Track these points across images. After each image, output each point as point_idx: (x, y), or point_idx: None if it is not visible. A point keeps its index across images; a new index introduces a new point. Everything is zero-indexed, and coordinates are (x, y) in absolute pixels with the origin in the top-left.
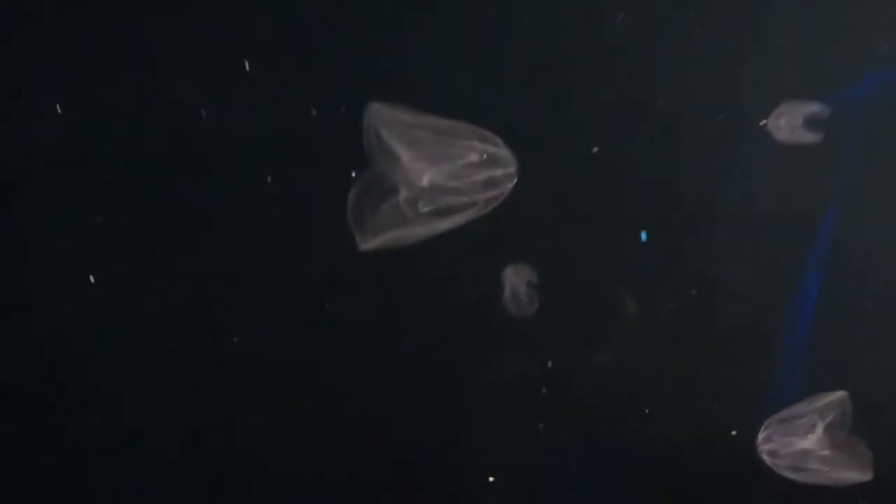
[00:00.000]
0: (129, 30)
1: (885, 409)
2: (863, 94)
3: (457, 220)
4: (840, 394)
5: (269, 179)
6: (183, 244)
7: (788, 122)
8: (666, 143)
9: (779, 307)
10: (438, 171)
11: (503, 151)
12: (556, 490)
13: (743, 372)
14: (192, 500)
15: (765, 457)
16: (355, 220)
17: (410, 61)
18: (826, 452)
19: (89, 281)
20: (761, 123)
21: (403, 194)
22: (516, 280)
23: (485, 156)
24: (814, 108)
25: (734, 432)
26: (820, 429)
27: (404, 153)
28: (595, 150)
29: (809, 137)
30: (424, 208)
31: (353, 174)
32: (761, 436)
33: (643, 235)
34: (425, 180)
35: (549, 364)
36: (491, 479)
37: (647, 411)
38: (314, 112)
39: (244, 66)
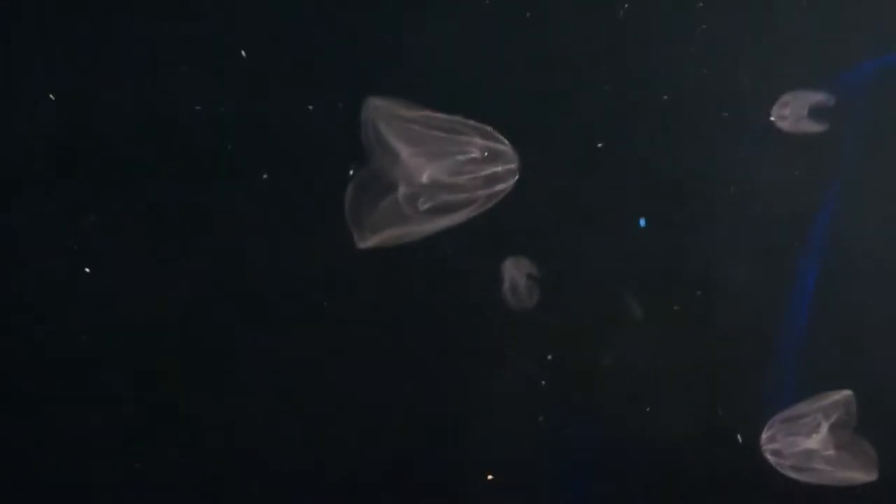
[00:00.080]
0: (127, 28)
1: (891, 408)
2: (864, 82)
3: (457, 217)
4: (845, 393)
5: (264, 176)
6: (179, 243)
7: (793, 112)
8: (667, 139)
9: (779, 306)
10: (438, 167)
11: (504, 147)
12: (556, 489)
13: (743, 370)
14: (193, 500)
15: (768, 456)
16: (353, 218)
17: (409, 56)
18: (830, 452)
19: (87, 282)
20: (771, 118)
21: (402, 191)
22: (516, 273)
23: (486, 153)
24: (819, 97)
25: (737, 434)
26: (824, 428)
27: (403, 149)
28: (600, 145)
29: (815, 127)
30: (424, 205)
31: (351, 171)
32: (765, 435)
33: (642, 222)
34: (425, 177)
35: (549, 358)
36: (490, 477)
37: (647, 409)
38: (311, 108)
39: (241, 63)
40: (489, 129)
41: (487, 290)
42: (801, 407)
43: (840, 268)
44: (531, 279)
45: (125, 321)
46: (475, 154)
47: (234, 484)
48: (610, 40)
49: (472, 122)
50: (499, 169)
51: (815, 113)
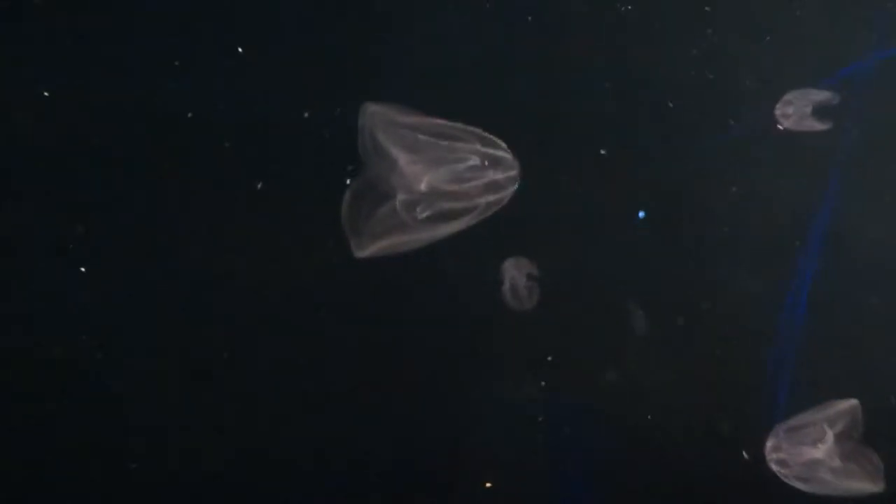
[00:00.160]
0: (122, 31)
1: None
2: (864, 79)
3: (456, 225)
4: (851, 402)
5: (258, 186)
6: (175, 250)
7: (797, 110)
8: (669, 141)
9: (779, 306)
10: (437, 174)
11: (504, 154)
12: (554, 497)
13: (744, 370)
14: (193, 499)
15: (773, 466)
16: (351, 227)
17: (407, 61)
18: (837, 463)
19: (84, 283)
20: (775, 114)
21: (401, 199)
22: (516, 273)
23: (486, 160)
24: (822, 95)
25: (738, 436)
26: (830, 438)
27: (401, 156)
28: (603, 151)
29: (818, 126)
30: (423, 214)
31: (348, 180)
32: (769, 444)
33: (641, 213)
34: (424, 184)
35: (549, 359)
36: (488, 484)
37: (649, 417)
38: (306, 115)
39: (236, 66)
40: (489, 135)
41: (487, 289)
42: (806, 416)
43: (841, 267)
44: (531, 280)
45: (119, 321)
46: (475, 161)
47: (234, 484)
48: (611, 43)
49: (471, 129)
50: (499, 176)
51: (819, 111)
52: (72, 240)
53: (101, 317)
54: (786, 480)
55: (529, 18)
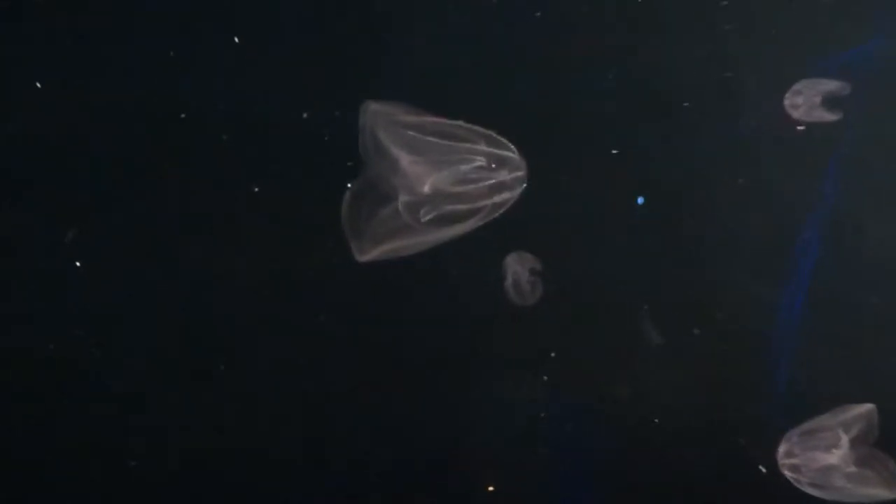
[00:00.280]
0: (122, 31)
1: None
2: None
3: (461, 227)
4: (866, 406)
5: (259, 186)
6: (175, 250)
7: (806, 100)
8: (668, 141)
9: (779, 307)
10: (441, 175)
11: (511, 154)
12: (556, 492)
13: (744, 369)
14: (193, 499)
15: (786, 472)
16: (351, 229)
17: (409, 58)
18: (852, 468)
19: (84, 282)
20: (786, 105)
21: (403, 201)
22: (518, 268)
23: (492, 160)
24: (832, 85)
25: (738, 437)
26: (845, 443)
27: (404, 156)
28: (615, 151)
29: (827, 116)
30: (426, 216)
31: (349, 184)
32: (782, 449)
33: (640, 199)
34: (427, 186)
35: (550, 359)
36: (490, 488)
37: (649, 417)
38: (305, 115)
39: (236, 66)
40: (495, 134)
41: (487, 291)
42: (820, 420)
43: (841, 267)
44: (534, 274)
45: (121, 322)
46: (480, 161)
47: (234, 484)
48: (617, 38)
49: (476, 127)
50: (505, 177)
51: (829, 101)
52: (71, 239)
53: (100, 317)
54: (799, 487)
55: (536, 16)
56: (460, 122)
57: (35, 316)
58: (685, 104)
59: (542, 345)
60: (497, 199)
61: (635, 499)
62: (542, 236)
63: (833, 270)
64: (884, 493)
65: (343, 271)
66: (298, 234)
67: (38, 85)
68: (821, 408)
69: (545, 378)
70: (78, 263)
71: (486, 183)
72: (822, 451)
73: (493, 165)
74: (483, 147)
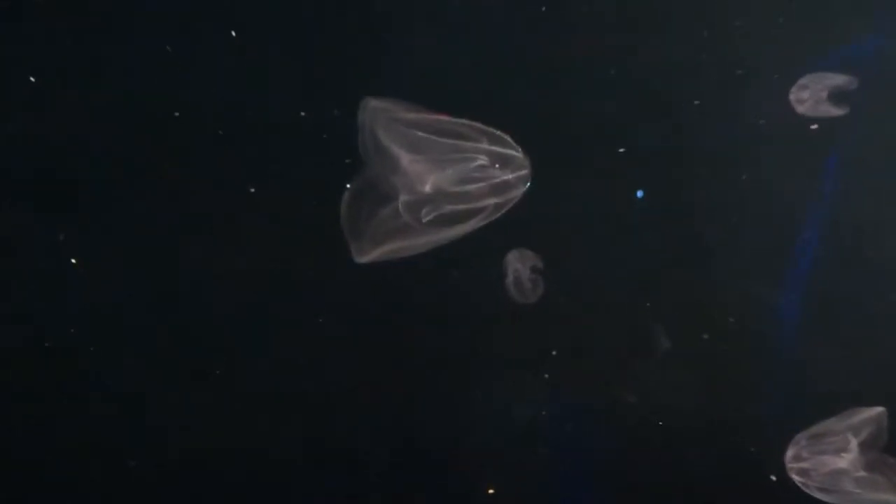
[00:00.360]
0: (122, 31)
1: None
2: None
3: (463, 228)
4: (876, 410)
5: (258, 185)
6: (174, 249)
7: (812, 95)
8: (668, 141)
9: (779, 306)
10: (443, 175)
11: (514, 152)
12: (556, 492)
13: (744, 372)
14: (193, 499)
15: (794, 476)
16: (351, 230)
17: (410, 54)
18: (861, 473)
19: (84, 282)
20: (792, 99)
21: (403, 200)
22: (519, 266)
23: (495, 159)
24: (839, 80)
25: (738, 436)
26: (855, 447)
27: (404, 155)
28: (622, 150)
29: (833, 111)
30: (427, 216)
31: (348, 185)
32: (791, 453)
33: (639, 193)
34: (428, 185)
35: (550, 358)
36: (490, 491)
37: (649, 417)
38: (303, 114)
39: (235, 66)
40: (498, 132)
41: (488, 291)
42: (829, 424)
43: (841, 266)
44: (535, 272)
45: (121, 322)
46: (483, 160)
47: (234, 484)
48: (617, 38)
49: (479, 125)
50: (509, 176)
51: (835, 96)
52: (71, 239)
53: (100, 316)
54: (807, 491)
55: (536, 16)
56: (463, 120)
57: (35, 316)
58: (685, 104)
59: (543, 344)
60: (500, 198)
61: (635, 499)
62: (542, 235)
63: (833, 270)
64: (894, 498)
65: (343, 271)
66: (298, 234)
67: (38, 85)
68: (821, 408)
69: (546, 377)
70: (77, 263)
71: (489, 182)
72: (832, 454)
73: (497, 165)
74: (486, 146)
